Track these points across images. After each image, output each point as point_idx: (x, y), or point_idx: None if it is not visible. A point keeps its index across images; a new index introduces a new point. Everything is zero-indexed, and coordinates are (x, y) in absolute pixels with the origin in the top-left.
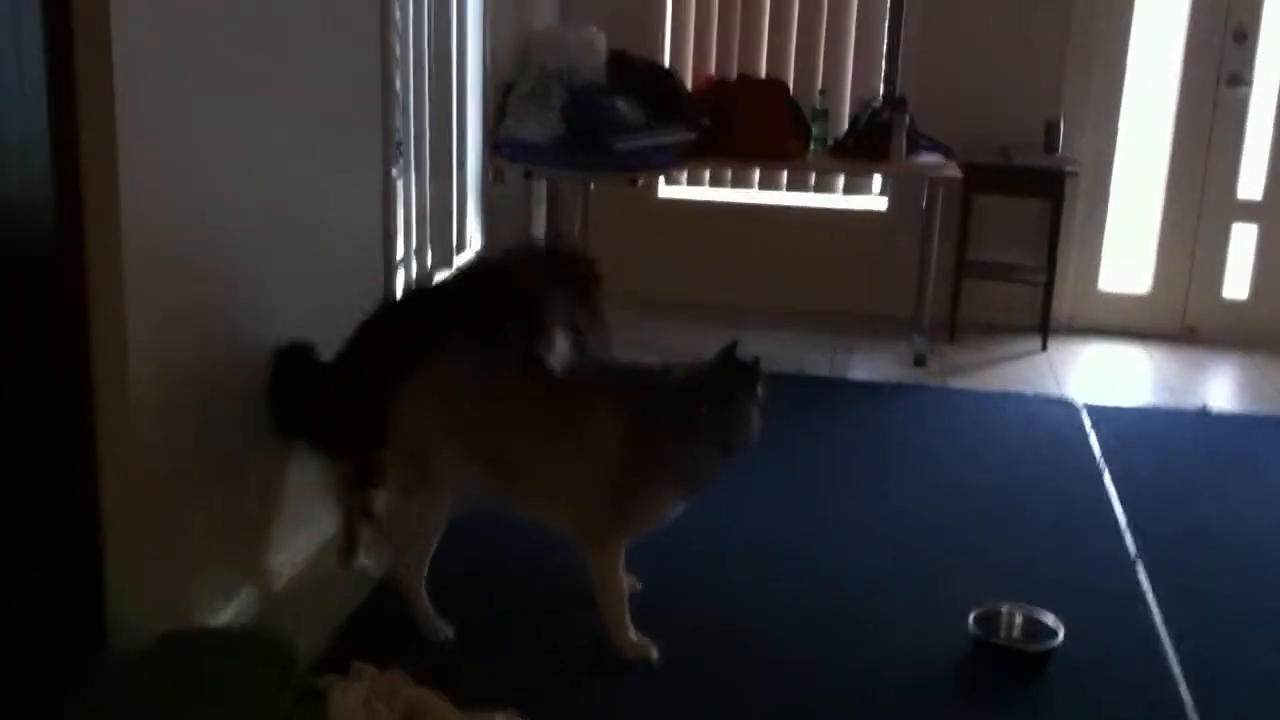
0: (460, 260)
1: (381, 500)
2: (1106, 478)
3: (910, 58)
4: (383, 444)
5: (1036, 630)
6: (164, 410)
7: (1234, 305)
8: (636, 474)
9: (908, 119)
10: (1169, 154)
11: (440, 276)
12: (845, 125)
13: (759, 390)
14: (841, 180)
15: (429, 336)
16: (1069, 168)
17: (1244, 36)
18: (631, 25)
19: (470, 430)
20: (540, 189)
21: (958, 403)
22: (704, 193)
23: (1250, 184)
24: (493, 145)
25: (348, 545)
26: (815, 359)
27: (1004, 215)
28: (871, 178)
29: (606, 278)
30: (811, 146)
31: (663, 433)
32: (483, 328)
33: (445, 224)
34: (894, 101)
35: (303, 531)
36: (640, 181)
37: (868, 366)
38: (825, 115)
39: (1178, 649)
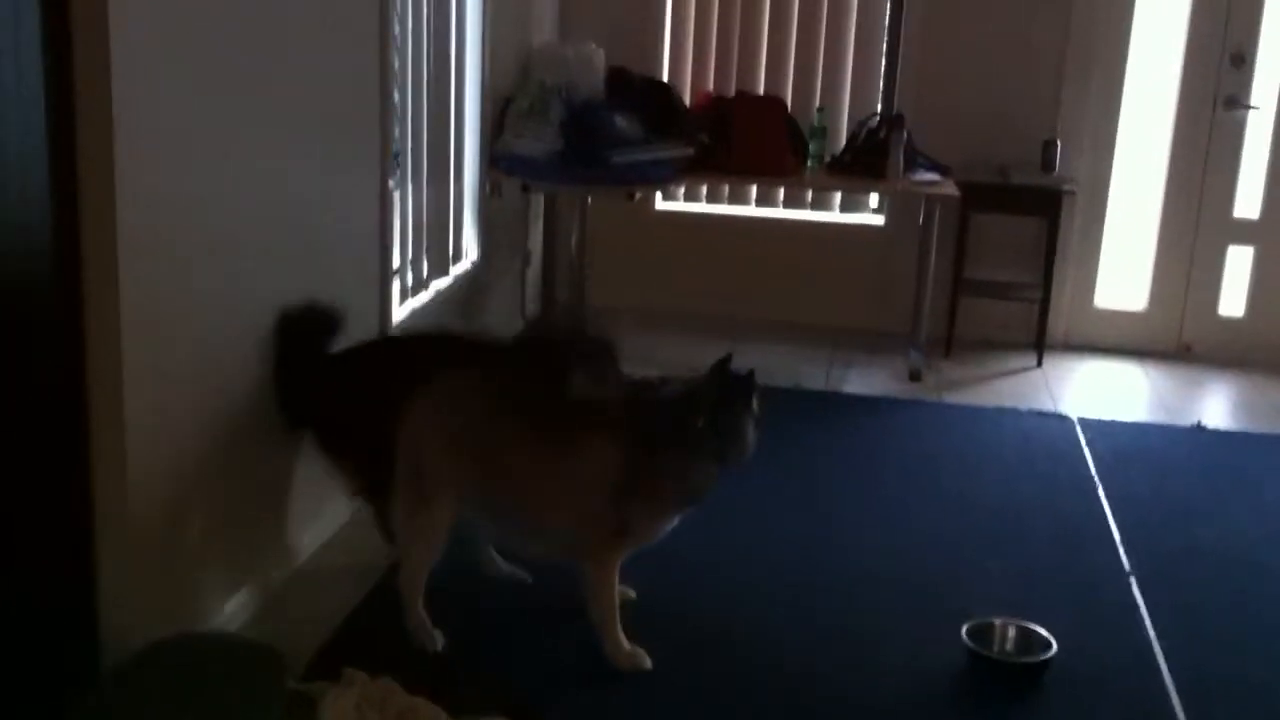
0: (456, 270)
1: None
2: (1101, 493)
3: (908, 76)
4: (383, 451)
5: (1030, 643)
6: (159, 414)
7: (1230, 323)
8: (634, 492)
9: (905, 137)
10: (1166, 174)
11: (437, 286)
12: (843, 142)
13: (754, 403)
14: (839, 197)
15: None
16: (1066, 187)
17: (1241, 60)
18: (630, 42)
19: (472, 450)
20: (538, 202)
21: (953, 418)
22: (702, 207)
23: (1247, 204)
24: (490, 159)
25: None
26: (812, 373)
27: (1001, 233)
28: (869, 195)
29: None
30: (809, 163)
31: (659, 450)
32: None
33: (441, 235)
34: (891, 119)
35: (296, 537)
36: (637, 195)
37: (864, 381)
38: (823, 132)
39: (1171, 663)
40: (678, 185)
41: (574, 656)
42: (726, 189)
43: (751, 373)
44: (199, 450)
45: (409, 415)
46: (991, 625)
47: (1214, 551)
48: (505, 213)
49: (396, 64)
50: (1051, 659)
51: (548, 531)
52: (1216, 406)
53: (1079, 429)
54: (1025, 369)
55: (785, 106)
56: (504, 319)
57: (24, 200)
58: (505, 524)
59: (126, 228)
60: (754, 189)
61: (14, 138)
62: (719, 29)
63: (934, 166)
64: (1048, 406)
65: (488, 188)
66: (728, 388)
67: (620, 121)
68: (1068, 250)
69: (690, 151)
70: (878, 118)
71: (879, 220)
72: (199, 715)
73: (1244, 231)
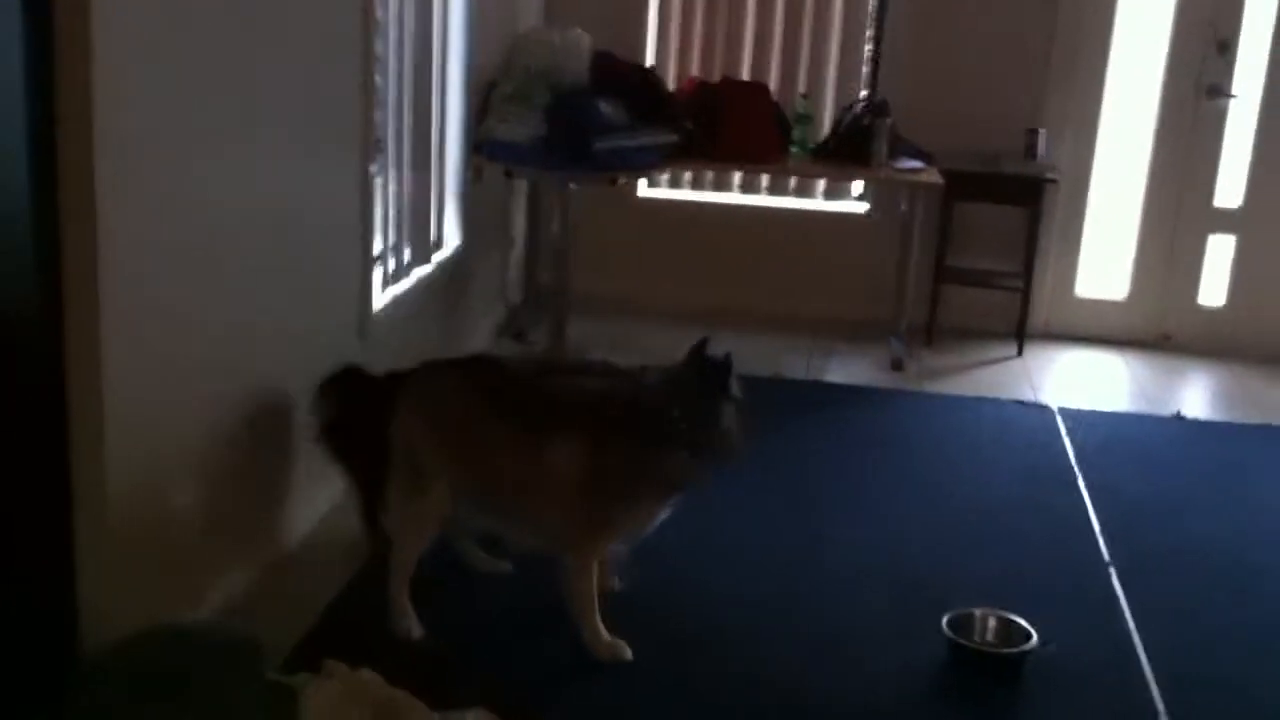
0: (438, 257)
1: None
2: (1081, 483)
3: (893, 63)
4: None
5: (1010, 634)
6: (138, 406)
7: (1210, 313)
8: (605, 486)
9: (889, 124)
10: (1148, 163)
11: (419, 273)
12: (827, 129)
13: (732, 388)
14: (822, 185)
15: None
16: (1048, 175)
17: (1225, 48)
18: (616, 27)
19: (457, 443)
20: (521, 188)
21: (934, 407)
22: (685, 194)
23: (1229, 193)
24: (474, 145)
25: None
26: (792, 362)
27: (984, 221)
28: (852, 182)
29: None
30: (793, 150)
31: (629, 442)
32: None
33: (423, 222)
34: (876, 106)
35: (276, 528)
36: (621, 181)
37: (845, 370)
38: (807, 119)
39: (1150, 653)
40: (662, 172)
41: (560, 651)
42: (710, 176)
43: (728, 357)
44: (179, 442)
45: (401, 407)
46: (972, 615)
47: (1194, 541)
48: (488, 199)
49: (379, 49)
50: (1032, 649)
51: (531, 524)
52: (1196, 396)
53: (1059, 418)
54: (1006, 358)
55: (770, 93)
56: (486, 306)
57: (3, 193)
58: (491, 517)
59: (106, 221)
60: (738, 176)
61: None
62: (704, 15)
63: (918, 154)
64: (1028, 396)
65: (470, 174)
66: (703, 374)
67: (605, 108)
68: (1049, 239)
69: (675, 138)
70: (862, 104)
71: (862, 208)
72: (179, 706)
73: (1225, 221)
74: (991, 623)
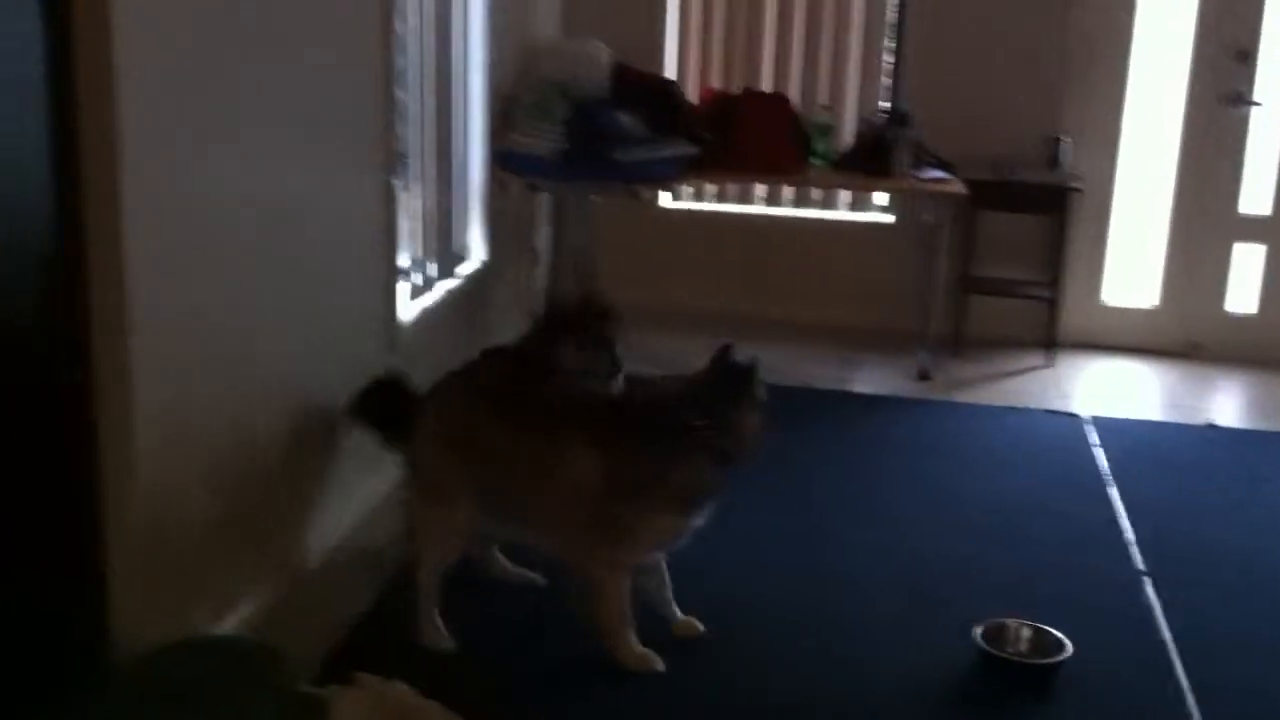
0: (462, 270)
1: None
2: (1113, 492)
3: (914, 73)
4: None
5: (1043, 644)
6: (167, 415)
7: (1240, 321)
8: (621, 500)
9: (911, 134)
10: (1174, 170)
11: (444, 286)
12: (849, 140)
13: (756, 393)
14: (847, 195)
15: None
16: (1073, 184)
17: (1245, 57)
18: (634, 38)
19: (475, 454)
20: (543, 200)
21: (962, 417)
22: (708, 205)
23: (1258, 200)
24: (496, 159)
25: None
26: (819, 372)
27: (1009, 231)
28: (874, 193)
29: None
30: (815, 162)
31: (647, 455)
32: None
33: (448, 235)
34: (897, 117)
35: (306, 539)
36: (644, 194)
37: (872, 380)
38: (829, 130)
39: (1186, 664)
40: (683, 183)
41: (584, 658)
42: (734, 187)
43: (754, 361)
44: (207, 453)
45: (422, 418)
46: (1005, 626)
47: (1227, 551)
48: (511, 211)
49: (401, 63)
50: (1065, 660)
51: (552, 535)
52: (1227, 405)
53: (1089, 428)
54: (1034, 368)
55: (790, 104)
56: (511, 318)
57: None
58: (514, 528)
59: (132, 231)
60: (761, 188)
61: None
62: (723, 25)
63: (940, 164)
64: (1057, 405)
65: (493, 187)
66: (728, 381)
67: (625, 119)
68: (1075, 248)
69: (694, 149)
70: (884, 115)
71: (887, 219)
72: (206, 718)
73: (1253, 228)
74: (1024, 633)
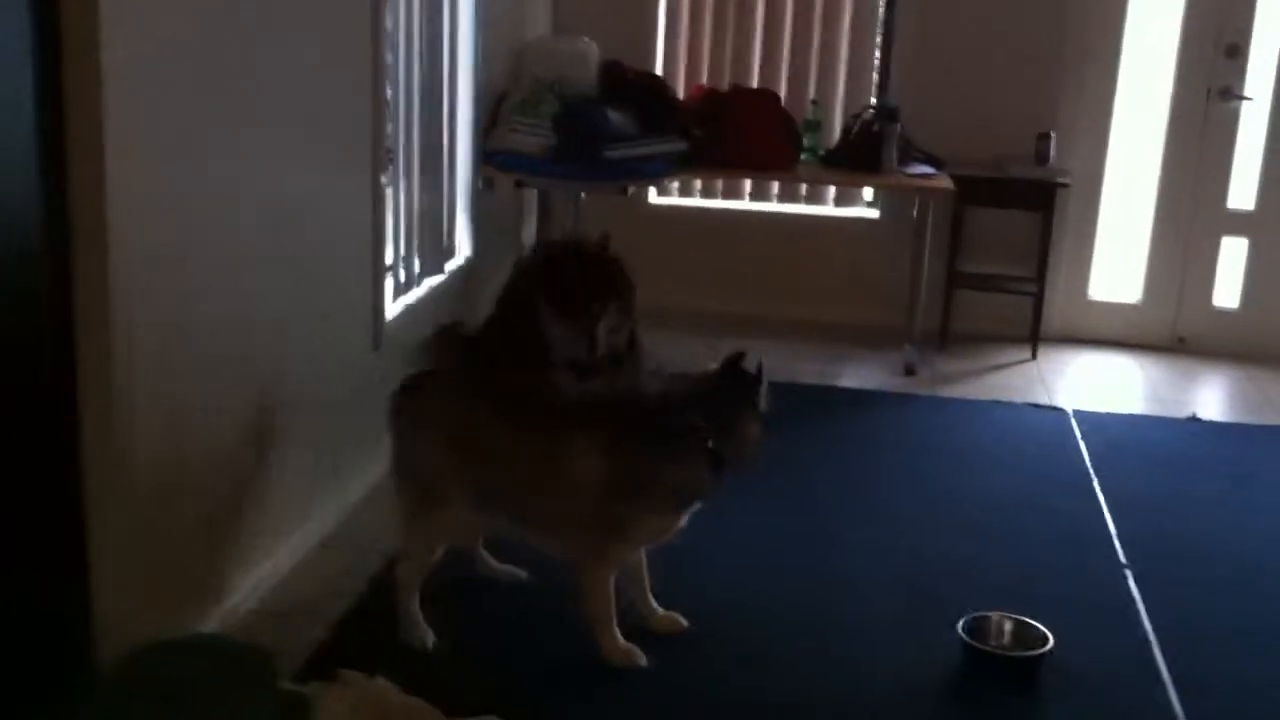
0: (449, 266)
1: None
2: (1096, 485)
3: (903, 69)
4: None
5: (1026, 637)
6: (153, 410)
7: (1225, 315)
8: (620, 497)
9: (900, 130)
10: (1160, 165)
11: (430, 282)
12: (837, 136)
13: (759, 401)
14: (833, 191)
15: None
16: (1060, 179)
17: (1236, 51)
18: (624, 35)
19: (469, 450)
20: (531, 197)
21: (948, 412)
22: (695, 201)
23: (1242, 195)
24: (484, 154)
25: None
26: (805, 368)
27: (995, 226)
28: (863, 189)
29: None
30: (803, 157)
31: (646, 453)
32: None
33: (435, 231)
34: (886, 112)
35: (292, 536)
36: (631, 190)
37: (858, 375)
38: (817, 126)
39: (1167, 657)
40: (672, 180)
41: (571, 655)
42: (720, 183)
43: (759, 369)
44: (193, 447)
45: (409, 415)
46: (988, 619)
47: (1210, 544)
48: (499, 208)
49: (389, 60)
50: (1048, 653)
51: (549, 530)
52: (1211, 398)
53: (1074, 421)
54: (1020, 362)
55: (779, 100)
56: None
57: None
58: (508, 523)
59: (117, 224)
60: (748, 183)
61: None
62: (712, 22)
63: (928, 160)
64: (1042, 399)
65: (481, 183)
66: (732, 386)
67: (614, 116)
68: (1062, 243)
69: (684, 145)
70: (872, 111)
71: (873, 214)
72: (191, 717)
73: (1238, 223)
74: (1007, 626)
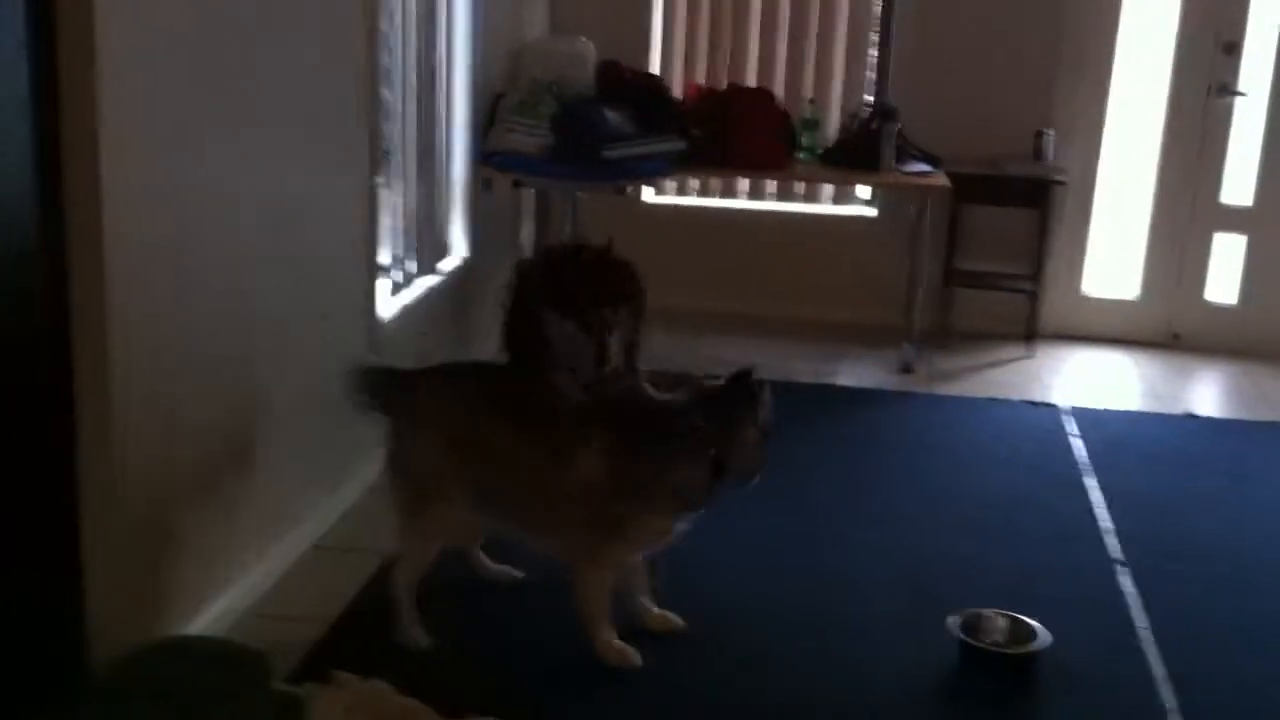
0: (445, 266)
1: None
2: (1091, 482)
3: (900, 67)
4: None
5: (1020, 634)
6: (147, 411)
7: (1221, 311)
8: (620, 502)
9: (897, 128)
10: (1157, 162)
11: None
12: (834, 134)
13: (760, 413)
14: (830, 189)
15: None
16: (1057, 177)
17: (1233, 47)
18: (621, 36)
19: (468, 453)
20: (529, 198)
21: (944, 409)
22: (692, 200)
23: (1239, 191)
24: (481, 155)
25: None
26: (802, 366)
27: (992, 224)
28: (860, 187)
29: None
30: (800, 156)
31: (647, 455)
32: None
33: (431, 231)
34: (883, 111)
35: (285, 537)
36: (628, 189)
37: (855, 374)
38: (815, 125)
39: (1161, 653)
40: (669, 179)
41: (570, 655)
42: (717, 182)
43: (762, 383)
44: (187, 449)
45: (406, 418)
46: (982, 616)
47: (1205, 540)
48: (496, 208)
49: (385, 60)
50: (1043, 650)
51: (546, 531)
52: (1206, 395)
53: (1069, 418)
54: (1016, 359)
55: (776, 99)
56: (494, 315)
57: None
58: (505, 524)
59: (113, 224)
60: (745, 182)
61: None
62: (709, 22)
63: (925, 158)
64: (1038, 396)
65: (478, 183)
66: (735, 395)
67: (611, 116)
68: (1058, 240)
69: (682, 145)
70: (869, 109)
71: (870, 212)
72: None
73: (1234, 219)
74: (1001, 623)
